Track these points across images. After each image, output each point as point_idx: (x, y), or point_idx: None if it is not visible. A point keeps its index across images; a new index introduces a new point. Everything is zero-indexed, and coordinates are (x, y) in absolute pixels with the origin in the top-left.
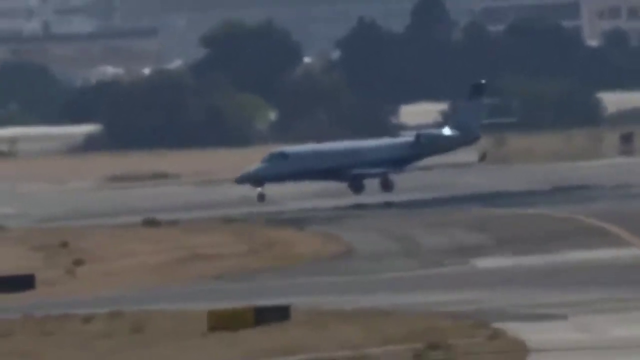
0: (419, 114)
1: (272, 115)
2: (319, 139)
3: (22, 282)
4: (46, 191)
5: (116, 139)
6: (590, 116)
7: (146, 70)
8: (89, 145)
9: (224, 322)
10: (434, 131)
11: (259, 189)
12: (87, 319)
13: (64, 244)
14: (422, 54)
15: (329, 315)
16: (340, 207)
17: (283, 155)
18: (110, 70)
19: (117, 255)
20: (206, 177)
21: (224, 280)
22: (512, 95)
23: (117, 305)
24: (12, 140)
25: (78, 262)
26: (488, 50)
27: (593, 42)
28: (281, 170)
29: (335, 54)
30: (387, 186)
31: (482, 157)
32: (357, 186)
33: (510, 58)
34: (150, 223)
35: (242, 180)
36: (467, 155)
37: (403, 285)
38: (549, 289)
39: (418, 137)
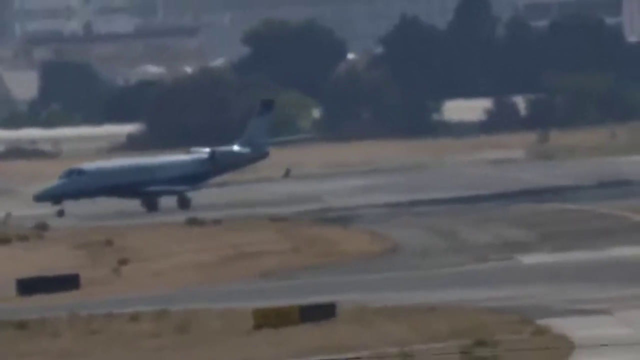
0: (463, 110)
1: (316, 113)
2: (363, 136)
3: (67, 282)
4: None
5: (159, 138)
6: (633, 111)
7: (188, 69)
8: (132, 144)
9: (269, 320)
10: (227, 148)
11: (58, 207)
12: (133, 318)
13: (109, 243)
14: (465, 51)
15: (374, 312)
16: (385, 204)
17: (80, 172)
18: (152, 69)
19: (161, 254)
20: (250, 175)
21: (269, 278)
22: (555, 91)
23: (163, 305)
24: (56, 141)
25: (123, 262)
26: (531, 46)
27: (634, 38)
28: (78, 187)
29: (379, 51)
30: (183, 204)
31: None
32: (150, 204)
33: (552, 54)
34: (194, 222)
35: (40, 197)
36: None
37: (449, 281)
38: (594, 284)
39: (212, 154)
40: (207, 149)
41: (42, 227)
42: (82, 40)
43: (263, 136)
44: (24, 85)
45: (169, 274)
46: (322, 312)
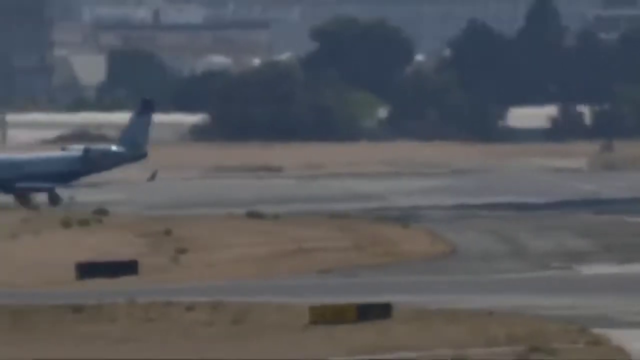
0: (527, 117)
1: (382, 112)
2: (428, 137)
3: (126, 268)
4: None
5: (223, 129)
6: None
7: (256, 62)
8: (196, 134)
9: (326, 317)
10: (102, 147)
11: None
12: (190, 308)
13: (168, 232)
14: (532, 58)
15: (431, 314)
16: (448, 206)
17: None
18: (219, 61)
19: (220, 246)
20: (312, 171)
21: (327, 274)
22: (622, 102)
23: (220, 296)
24: (120, 127)
25: (182, 251)
26: (599, 57)
27: None
28: None
29: (447, 54)
30: (53, 201)
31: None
32: (23, 200)
33: (620, 66)
34: (254, 215)
35: None
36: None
37: (507, 286)
38: None
39: (86, 152)
40: (82, 147)
41: (102, 212)
42: (150, 28)
43: (142, 136)
44: (91, 70)
45: (226, 265)
46: (379, 312)
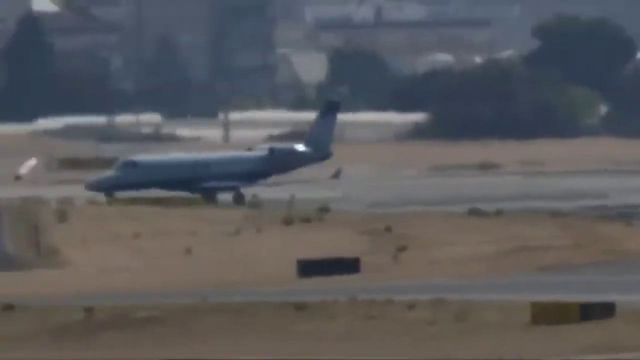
0: None
1: (603, 109)
2: None
3: (348, 266)
4: (373, 177)
5: (444, 128)
6: None
7: (478, 60)
8: (417, 133)
9: (548, 315)
10: (287, 146)
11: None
12: (411, 306)
13: (389, 230)
14: None
15: None
16: None
17: (132, 164)
18: (441, 59)
19: (441, 244)
20: (533, 168)
21: (548, 273)
22: None
23: (441, 293)
24: (341, 125)
25: (402, 248)
26: None
27: None
28: (130, 179)
29: None
30: (239, 200)
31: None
32: (209, 198)
33: None
34: (476, 213)
35: (91, 187)
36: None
37: None
38: None
39: (271, 151)
40: (267, 147)
41: (324, 210)
42: (371, 26)
43: (327, 136)
44: (312, 69)
45: (448, 263)
46: (602, 311)
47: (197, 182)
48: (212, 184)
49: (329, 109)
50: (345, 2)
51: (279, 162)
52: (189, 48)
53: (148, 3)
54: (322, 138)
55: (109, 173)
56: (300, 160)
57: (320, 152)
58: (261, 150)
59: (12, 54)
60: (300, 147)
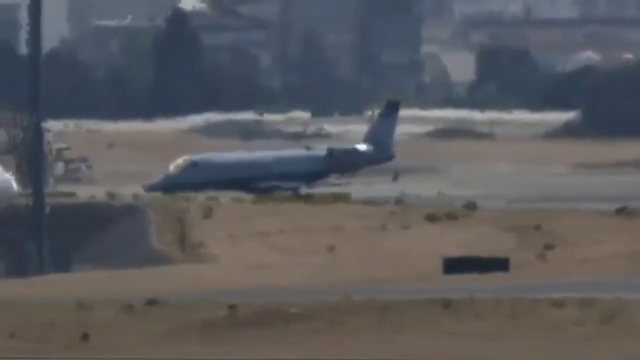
0: None
1: None
2: None
3: (496, 264)
4: (521, 174)
5: (594, 125)
6: None
7: (629, 57)
8: (568, 131)
9: None
10: (347, 147)
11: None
12: (558, 305)
13: (537, 227)
14: None
15: None
16: None
17: (193, 164)
18: (591, 57)
19: (588, 242)
20: None
21: None
22: None
23: (590, 292)
24: (491, 123)
25: (550, 247)
26: None
27: None
28: (190, 179)
29: None
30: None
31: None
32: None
33: None
34: (624, 212)
35: (150, 188)
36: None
37: None
38: None
39: (330, 152)
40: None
41: (471, 207)
42: (521, 24)
43: (387, 137)
44: (461, 67)
45: (597, 261)
46: None
47: (256, 182)
48: (272, 183)
49: (390, 109)
50: (494, 0)
51: (338, 162)
52: (335, 45)
53: (294, 0)
54: (383, 139)
55: (169, 173)
56: (360, 161)
57: (381, 153)
58: (320, 150)
59: (160, 52)
60: (361, 147)
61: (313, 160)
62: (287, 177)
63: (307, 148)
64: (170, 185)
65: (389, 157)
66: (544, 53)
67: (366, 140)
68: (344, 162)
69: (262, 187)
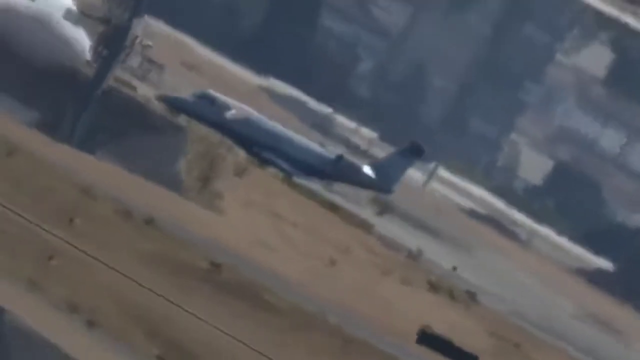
0: None
1: None
2: None
3: None
4: None
5: None
6: None
7: None
8: None
9: None
10: (355, 163)
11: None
12: None
13: None
14: None
15: None
16: None
17: (211, 100)
18: None
19: None
20: None
21: None
22: None
23: None
24: (527, 229)
25: None
26: None
27: None
28: (202, 111)
29: None
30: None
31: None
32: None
33: None
34: None
35: (164, 100)
36: None
37: None
38: None
39: (338, 159)
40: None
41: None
42: (609, 161)
43: (397, 173)
44: (535, 168)
45: None
46: None
47: (260, 148)
48: (272, 157)
49: (412, 151)
50: None
51: (339, 172)
52: (434, 87)
53: (421, 23)
54: (392, 173)
55: (186, 96)
56: (359, 182)
57: (382, 184)
58: (328, 151)
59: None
60: (367, 169)
61: (319, 157)
62: (291, 159)
63: (322, 145)
64: (180, 108)
65: (389, 191)
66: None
67: (375, 166)
68: (344, 175)
69: (263, 156)
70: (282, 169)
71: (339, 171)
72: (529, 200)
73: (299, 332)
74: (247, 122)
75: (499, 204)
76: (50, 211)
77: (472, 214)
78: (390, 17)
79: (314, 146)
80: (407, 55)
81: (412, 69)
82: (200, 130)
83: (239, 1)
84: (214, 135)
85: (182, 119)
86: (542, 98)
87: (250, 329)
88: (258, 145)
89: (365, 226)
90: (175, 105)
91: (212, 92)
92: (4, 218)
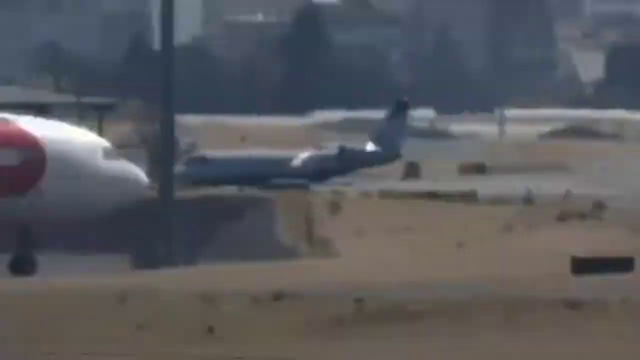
0: None
1: None
2: None
3: (621, 265)
4: None
5: None
6: None
7: None
8: None
9: None
10: (357, 146)
11: None
12: None
13: None
14: None
15: None
16: None
17: (203, 160)
18: None
19: None
20: None
21: None
22: None
23: None
24: (617, 123)
25: None
26: None
27: None
28: (199, 174)
29: None
30: None
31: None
32: None
33: None
34: None
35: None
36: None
37: None
38: None
39: (341, 151)
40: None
41: (599, 206)
42: None
43: (398, 137)
44: (590, 66)
45: None
46: None
47: (266, 179)
48: (281, 181)
49: (399, 109)
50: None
51: (348, 162)
52: (467, 44)
53: None
54: (392, 138)
55: (177, 168)
56: (369, 161)
57: (390, 153)
58: (331, 149)
59: (289, 46)
60: (371, 147)
61: (324, 159)
62: (298, 174)
63: (320, 147)
64: (181, 179)
65: (398, 156)
66: None
67: (375, 140)
68: (354, 162)
69: (272, 184)
70: (295, 186)
71: (348, 161)
72: (599, 96)
73: (460, 322)
74: (243, 162)
75: (575, 113)
76: (186, 333)
77: (556, 134)
78: (396, 1)
79: (311, 152)
80: (427, 28)
81: (440, 37)
82: (278, 190)
83: (253, 65)
84: (292, 189)
85: (250, 191)
86: (566, 2)
87: (411, 345)
88: (264, 177)
89: (468, 197)
90: (178, 180)
91: (202, 153)
92: None
